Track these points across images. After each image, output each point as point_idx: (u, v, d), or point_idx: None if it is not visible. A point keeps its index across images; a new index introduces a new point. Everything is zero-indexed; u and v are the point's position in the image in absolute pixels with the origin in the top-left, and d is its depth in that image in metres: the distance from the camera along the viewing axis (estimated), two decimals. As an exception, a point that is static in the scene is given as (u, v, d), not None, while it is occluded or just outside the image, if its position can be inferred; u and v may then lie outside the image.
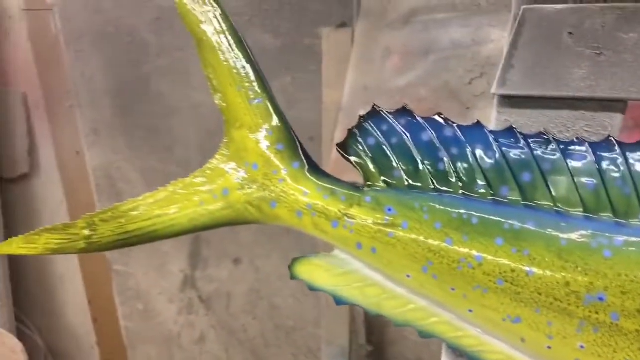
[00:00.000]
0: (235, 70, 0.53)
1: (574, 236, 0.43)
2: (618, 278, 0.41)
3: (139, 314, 1.83)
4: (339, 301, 0.51)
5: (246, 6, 1.38)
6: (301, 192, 0.50)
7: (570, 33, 0.48)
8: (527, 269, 0.44)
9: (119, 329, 1.87)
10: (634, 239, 0.41)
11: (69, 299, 1.86)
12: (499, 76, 0.51)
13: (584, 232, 0.43)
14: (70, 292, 1.85)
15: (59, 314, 1.88)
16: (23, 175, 1.67)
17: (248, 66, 0.53)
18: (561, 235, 0.43)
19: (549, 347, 0.44)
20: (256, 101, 0.52)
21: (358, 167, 0.50)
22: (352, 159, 0.50)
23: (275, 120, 0.52)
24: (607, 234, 0.42)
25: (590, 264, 0.42)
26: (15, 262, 1.74)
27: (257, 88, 0.52)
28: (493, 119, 0.53)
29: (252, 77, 0.52)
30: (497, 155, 0.46)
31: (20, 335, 1.73)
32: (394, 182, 0.49)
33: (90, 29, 1.50)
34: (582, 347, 0.43)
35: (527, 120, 0.52)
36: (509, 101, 0.52)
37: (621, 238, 0.42)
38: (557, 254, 0.43)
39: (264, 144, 0.51)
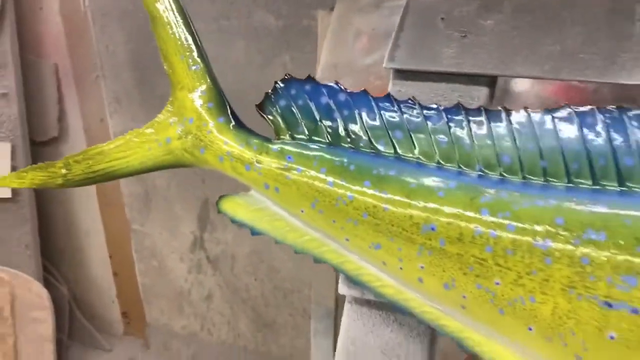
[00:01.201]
0: (179, 42, 0.65)
1: (420, 181, 0.54)
2: (445, 212, 0.52)
3: (154, 271, 1.98)
4: (253, 232, 0.64)
5: (251, -12, 1.49)
6: (223, 142, 0.62)
7: (442, 19, 0.59)
8: (384, 205, 0.55)
9: (136, 283, 2.02)
10: (463, 183, 0.52)
11: (92, 254, 2.02)
12: (388, 53, 0.61)
13: (429, 179, 0.54)
14: (94, 247, 2.01)
15: (83, 267, 2.04)
16: (53, 139, 1.83)
17: (190, 38, 0.65)
18: (412, 180, 0.54)
19: (401, 268, 0.56)
20: (194, 67, 0.64)
21: (271, 123, 0.62)
22: (267, 116, 0.62)
23: (208, 83, 0.64)
24: (445, 180, 0.53)
25: (427, 202, 0.53)
26: (44, 217, 1.91)
27: (196, 57, 0.65)
28: (389, 89, 0.64)
29: (193, 47, 0.65)
30: (377, 117, 0.58)
31: (47, 284, 1.90)
32: (298, 135, 0.61)
33: (114, 7, 1.63)
34: (422, 267, 0.54)
35: (415, 91, 0.62)
36: (399, 74, 0.63)
37: (454, 182, 0.53)
38: (407, 194, 0.54)
39: (198, 102, 0.64)
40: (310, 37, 1.43)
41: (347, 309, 0.67)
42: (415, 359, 0.65)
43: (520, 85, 0.88)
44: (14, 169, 1.72)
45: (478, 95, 0.59)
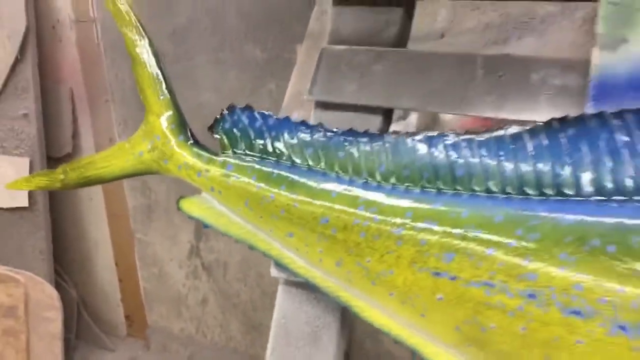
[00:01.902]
0: (152, 78, 0.84)
1: (321, 186, 0.72)
2: (335, 208, 0.70)
3: (155, 277, 2.16)
4: (205, 226, 0.82)
5: (242, 24, 1.70)
6: (181, 154, 0.81)
7: (346, 64, 0.77)
8: (295, 203, 0.73)
9: (139, 288, 2.20)
10: (350, 187, 0.70)
11: (100, 261, 2.21)
12: (308, 88, 0.80)
13: (327, 184, 0.72)
14: (102, 254, 2.20)
15: (91, 273, 2.23)
16: (67, 155, 2.03)
17: (160, 75, 0.84)
18: (314, 185, 0.72)
19: (307, 252, 0.74)
20: (162, 97, 0.83)
21: (218, 141, 0.81)
22: (215, 135, 0.81)
23: (172, 110, 0.83)
24: (339, 185, 0.71)
25: (324, 201, 0.71)
26: (58, 227, 2.11)
27: (164, 89, 0.84)
28: (311, 116, 0.82)
29: (162, 81, 0.84)
30: (295, 137, 0.76)
31: (58, 287, 2.08)
32: (237, 150, 0.80)
33: (123, 40, 1.84)
34: (320, 250, 0.72)
35: (330, 117, 0.81)
36: (318, 104, 0.81)
37: (340, 187, 0.70)
38: (311, 195, 0.72)
39: (164, 124, 0.83)
40: (292, 68, 1.63)
41: (280, 290, 0.85)
42: (330, 328, 0.82)
43: (447, 117, 1.06)
44: (31, 181, 1.92)
45: (375, 121, 0.77)
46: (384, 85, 0.75)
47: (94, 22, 1.90)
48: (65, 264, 2.21)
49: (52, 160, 2.02)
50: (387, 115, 0.78)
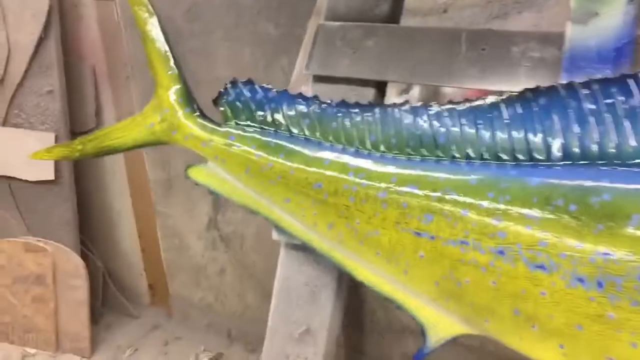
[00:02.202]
0: (161, 53, 0.90)
1: (315, 154, 0.77)
2: (327, 175, 0.75)
3: (175, 248, 2.24)
4: (211, 192, 0.88)
5: (255, 2, 1.74)
6: (187, 125, 0.87)
7: (340, 40, 0.82)
8: (290, 170, 0.79)
9: (160, 259, 2.29)
10: (342, 154, 0.75)
11: (123, 231, 2.29)
12: (305, 64, 0.85)
13: (321, 152, 0.77)
14: (125, 225, 2.28)
15: (115, 243, 2.32)
16: (90, 130, 2.10)
17: (168, 50, 0.90)
18: (309, 153, 0.78)
19: (303, 215, 0.79)
20: (170, 72, 0.89)
21: (222, 112, 0.86)
22: (219, 108, 0.86)
23: (180, 84, 0.89)
24: (331, 152, 0.76)
25: (318, 168, 0.76)
26: (83, 199, 2.20)
27: (172, 64, 0.89)
28: (310, 89, 0.87)
29: (170, 57, 0.89)
30: (293, 109, 0.81)
31: (84, 256, 2.17)
32: (240, 121, 0.85)
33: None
34: (315, 213, 0.78)
35: (327, 90, 0.86)
36: (316, 79, 0.86)
37: (332, 155, 0.76)
38: (305, 163, 0.78)
39: (172, 97, 0.89)
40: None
41: (282, 252, 0.91)
42: (328, 288, 0.88)
43: (448, 89, 1.10)
44: (56, 155, 2.00)
45: (368, 94, 0.82)
46: (375, 59, 0.80)
47: (114, 0, 1.95)
48: (90, 235, 2.30)
49: (77, 135, 2.08)
50: (380, 87, 0.83)
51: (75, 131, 2.08)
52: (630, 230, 0.55)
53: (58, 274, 2.08)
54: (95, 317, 2.23)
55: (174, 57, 0.90)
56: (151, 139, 0.91)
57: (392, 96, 0.91)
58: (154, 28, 0.90)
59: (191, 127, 0.87)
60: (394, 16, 0.83)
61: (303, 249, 0.88)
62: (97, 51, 2.02)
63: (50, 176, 2.02)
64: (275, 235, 0.89)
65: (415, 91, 1.18)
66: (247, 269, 2.11)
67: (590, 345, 0.58)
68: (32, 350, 2.10)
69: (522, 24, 1.14)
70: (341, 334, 1.08)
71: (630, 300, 0.55)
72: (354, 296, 1.84)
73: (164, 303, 2.36)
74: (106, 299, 2.34)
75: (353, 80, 0.82)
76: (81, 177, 2.18)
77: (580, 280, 0.57)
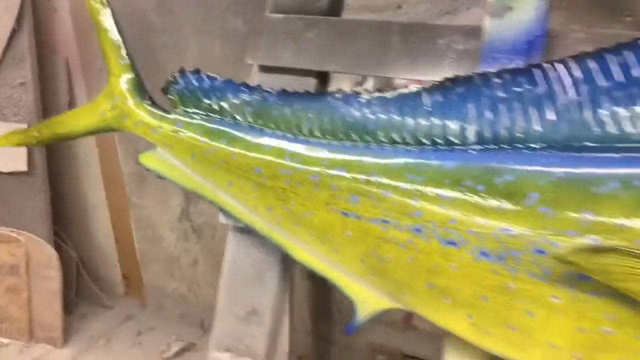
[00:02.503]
0: (113, 43, 0.93)
1: (256, 140, 0.81)
2: (266, 159, 0.79)
3: (149, 239, 2.26)
4: (159, 176, 0.91)
5: (225, -3, 1.77)
6: (137, 113, 0.91)
7: (283, 32, 0.86)
8: (232, 155, 0.82)
9: (134, 250, 2.31)
10: (281, 140, 0.79)
11: (98, 222, 2.31)
12: (249, 54, 0.89)
13: (262, 138, 0.81)
14: (100, 217, 2.30)
15: (90, 234, 2.34)
16: (64, 122, 2.12)
17: (120, 40, 0.93)
18: (250, 139, 0.81)
19: (245, 199, 0.83)
20: (122, 61, 0.93)
21: (170, 101, 0.90)
22: (168, 96, 0.90)
23: (131, 73, 0.92)
24: (271, 139, 0.80)
25: (258, 153, 0.80)
26: (57, 190, 2.21)
27: (124, 54, 0.93)
28: (255, 78, 0.91)
29: (122, 46, 0.93)
30: (237, 97, 0.85)
31: (58, 247, 2.19)
32: (187, 109, 0.89)
33: (114, 10, 1.93)
34: (255, 197, 0.81)
35: (272, 79, 0.89)
36: (261, 68, 0.90)
37: (271, 141, 0.79)
38: (247, 148, 0.81)
39: (124, 86, 0.92)
40: (271, 38, 1.70)
41: (230, 236, 0.95)
42: (273, 270, 0.92)
43: (401, 81, 1.14)
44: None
45: (310, 83, 0.86)
46: (315, 50, 0.83)
47: (87, -8, 1.97)
48: (65, 226, 2.32)
49: (50, 126, 2.11)
50: (322, 77, 0.87)
51: (48, 123, 2.09)
52: (527, 207, 0.59)
53: (31, 264, 2.09)
54: (69, 307, 2.25)
55: (125, 47, 0.93)
56: (103, 125, 0.94)
57: (347, 88, 0.95)
58: (106, 18, 0.94)
59: (141, 114, 0.90)
60: (334, 9, 0.87)
61: (249, 232, 0.92)
62: (70, 43, 2.04)
63: (23, 167, 2.03)
64: (222, 219, 0.92)
65: (370, 83, 1.22)
66: (219, 260, 2.13)
67: (494, 315, 0.63)
68: (6, 340, 2.11)
69: (471, 19, 1.18)
70: (289, 315, 1.12)
71: (527, 272, 0.59)
72: (321, 286, 1.89)
73: (138, 294, 2.39)
74: (80, 290, 2.36)
75: (295, 70, 0.86)
76: (55, 169, 2.20)
77: (485, 254, 0.61)
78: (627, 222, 0.54)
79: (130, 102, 0.91)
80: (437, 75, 0.76)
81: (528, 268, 0.59)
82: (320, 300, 1.91)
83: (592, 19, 1.10)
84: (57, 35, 2.04)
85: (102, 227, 2.32)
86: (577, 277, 0.57)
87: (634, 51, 0.57)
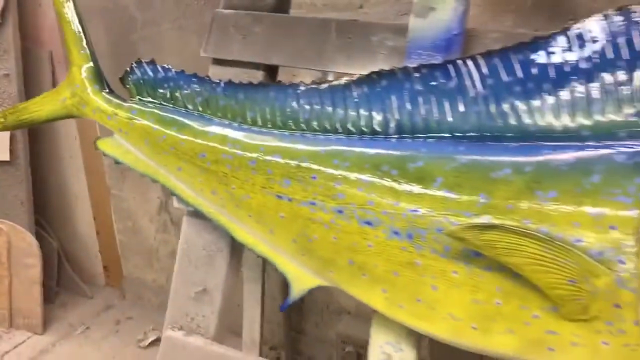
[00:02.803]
0: (75, 34, 0.98)
1: (203, 127, 0.86)
2: (210, 145, 0.84)
3: (129, 230, 2.31)
4: (116, 162, 0.96)
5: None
6: (95, 100, 0.96)
7: (233, 26, 0.91)
8: (181, 142, 0.87)
9: (115, 241, 2.35)
10: (226, 129, 0.84)
11: (80, 214, 2.35)
12: (203, 47, 0.94)
13: (208, 126, 0.86)
14: (82, 208, 2.34)
15: (71, 225, 2.38)
16: (47, 114, 2.17)
17: (81, 31, 0.98)
18: (198, 127, 0.86)
19: (192, 182, 0.88)
20: (82, 51, 0.98)
21: (128, 90, 0.95)
22: (125, 85, 0.95)
23: (90, 62, 0.97)
24: (218, 127, 0.85)
25: (203, 139, 0.85)
26: (40, 181, 2.25)
27: (84, 45, 0.98)
28: (210, 70, 0.96)
29: (82, 37, 0.98)
30: (189, 87, 0.90)
31: (40, 237, 2.22)
32: (142, 98, 0.94)
33: (96, 5, 1.98)
34: (200, 181, 0.86)
35: (223, 71, 0.94)
36: (214, 61, 0.95)
37: (216, 129, 0.84)
38: (194, 135, 0.86)
39: (84, 75, 0.97)
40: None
41: (184, 219, 1.00)
42: (223, 252, 0.96)
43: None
44: (12, 137, 2.06)
45: (258, 76, 0.91)
46: (262, 44, 0.88)
47: (70, -12, 2.02)
48: (48, 217, 2.35)
49: (33, 118, 2.15)
50: (269, 70, 0.92)
51: (31, 115, 2.13)
52: (433, 190, 0.64)
53: (12, 252, 2.13)
54: (50, 296, 2.28)
55: (86, 38, 0.98)
56: (64, 112, 0.99)
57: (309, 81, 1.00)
58: (69, 11, 0.99)
59: (98, 102, 0.95)
60: (282, 6, 0.92)
61: (202, 216, 0.97)
62: (54, 37, 2.08)
63: (5, 157, 2.08)
64: (176, 203, 0.97)
65: (331, 78, 1.26)
66: (196, 252, 2.18)
67: (404, 289, 0.68)
68: (-14, 326, 2.16)
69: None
70: (261, 307, 1.18)
71: (431, 249, 0.64)
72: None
73: (118, 284, 2.43)
74: (62, 280, 2.40)
75: (244, 63, 0.91)
76: (37, 159, 2.24)
77: (396, 233, 0.67)
78: (516, 203, 0.59)
79: (89, 90, 0.96)
80: (371, 69, 0.81)
81: (432, 245, 0.64)
82: (292, 292, 1.94)
83: (539, 22, 1.15)
84: (42, 29, 2.08)
85: (84, 218, 2.36)
86: (473, 253, 0.62)
87: (532, 49, 0.62)
